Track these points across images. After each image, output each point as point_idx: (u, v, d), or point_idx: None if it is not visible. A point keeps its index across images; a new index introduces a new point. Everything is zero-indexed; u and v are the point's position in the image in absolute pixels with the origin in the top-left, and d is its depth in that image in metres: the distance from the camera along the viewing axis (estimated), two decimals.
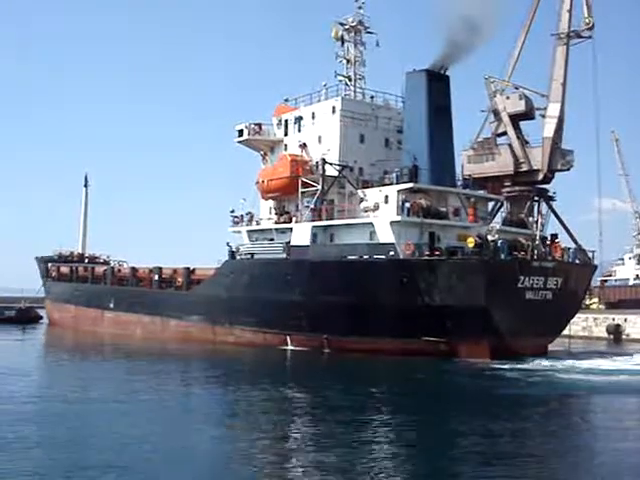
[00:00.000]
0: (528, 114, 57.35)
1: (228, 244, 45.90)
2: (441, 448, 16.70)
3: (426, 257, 34.86)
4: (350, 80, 45.95)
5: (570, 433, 19.18)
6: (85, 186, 75.72)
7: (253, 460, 14.86)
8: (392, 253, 35.64)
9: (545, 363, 32.58)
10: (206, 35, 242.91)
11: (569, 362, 33.19)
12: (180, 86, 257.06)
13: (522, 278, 34.03)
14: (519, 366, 31.20)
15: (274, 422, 19.27)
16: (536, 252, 35.62)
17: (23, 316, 64.18)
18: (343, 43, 46.34)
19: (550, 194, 61.41)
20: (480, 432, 17.92)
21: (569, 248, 39.49)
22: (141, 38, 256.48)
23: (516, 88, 57.76)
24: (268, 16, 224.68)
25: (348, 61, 46.26)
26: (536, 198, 59.00)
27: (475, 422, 19.28)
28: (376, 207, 38.54)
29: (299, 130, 45.32)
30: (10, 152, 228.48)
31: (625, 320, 52.81)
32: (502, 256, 34.63)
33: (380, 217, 37.83)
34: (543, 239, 39.10)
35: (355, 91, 45.90)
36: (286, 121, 46.54)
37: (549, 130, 56.06)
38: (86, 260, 69.04)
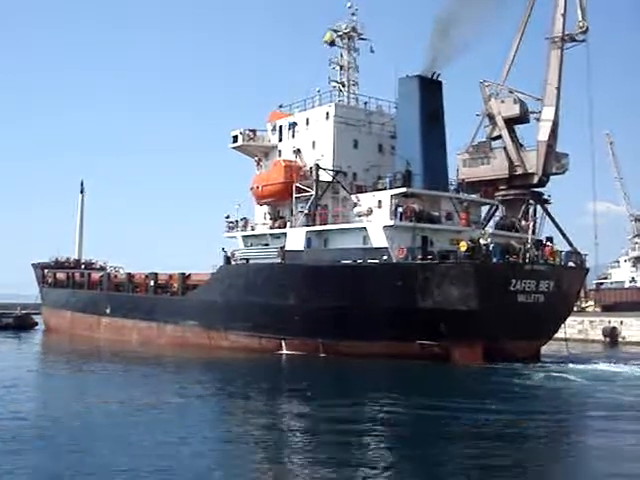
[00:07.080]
0: (522, 118, 57.62)
1: (223, 249, 46.12)
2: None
3: (419, 261, 35.03)
4: (344, 86, 46.16)
5: None
6: (81, 192, 76.08)
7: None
8: (385, 257, 35.84)
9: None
10: (206, 36, 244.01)
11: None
12: (179, 90, 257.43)
13: (514, 281, 34.10)
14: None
15: (268, 436, 18.69)
16: (528, 255, 35.75)
17: (20, 323, 64.34)
18: (340, 46, 46.46)
19: (545, 197, 61.69)
20: None
21: (561, 251, 39.55)
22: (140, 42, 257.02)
23: (510, 92, 58.05)
24: (267, 21, 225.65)
25: (341, 67, 46.47)
26: (531, 201, 59.28)
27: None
28: (369, 212, 38.73)
29: (293, 136, 45.49)
30: (8, 159, 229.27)
31: (621, 323, 52.88)
32: (494, 259, 34.79)
33: (373, 222, 38.01)
34: (537, 242, 39.21)
35: (349, 97, 46.08)
36: (280, 127, 46.75)
37: (544, 134, 56.33)
38: (82, 266, 69.09)
